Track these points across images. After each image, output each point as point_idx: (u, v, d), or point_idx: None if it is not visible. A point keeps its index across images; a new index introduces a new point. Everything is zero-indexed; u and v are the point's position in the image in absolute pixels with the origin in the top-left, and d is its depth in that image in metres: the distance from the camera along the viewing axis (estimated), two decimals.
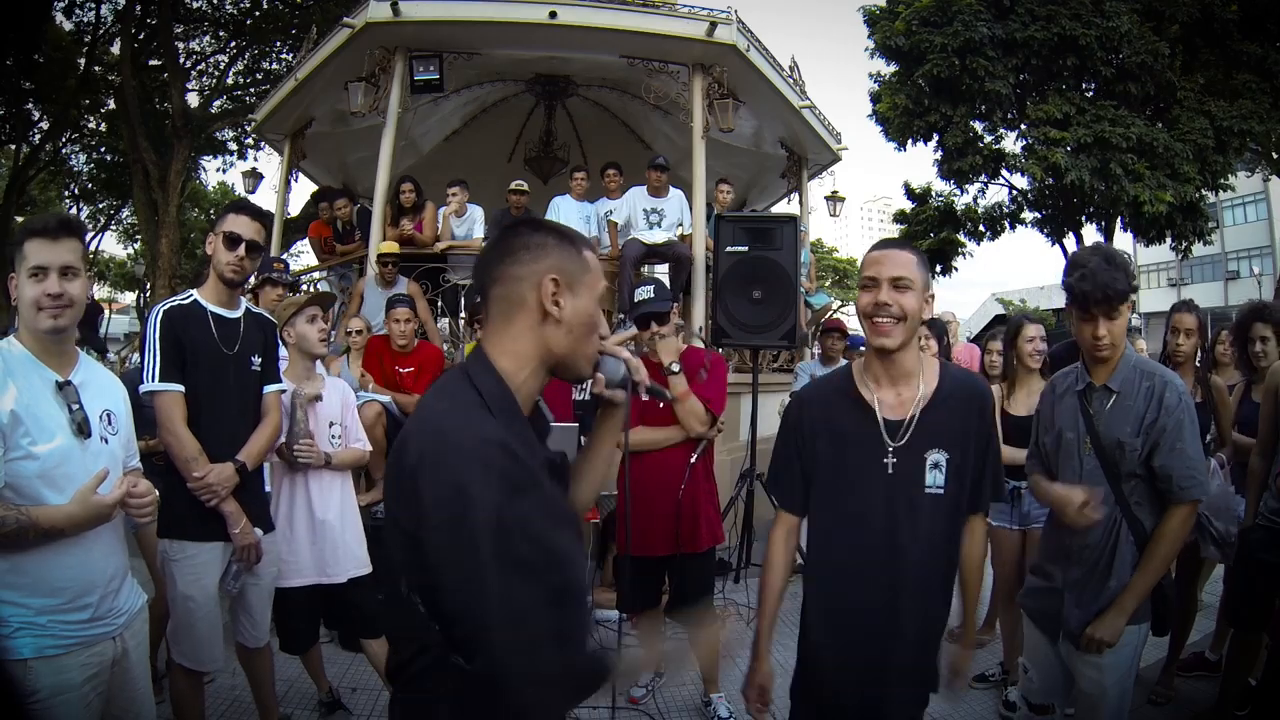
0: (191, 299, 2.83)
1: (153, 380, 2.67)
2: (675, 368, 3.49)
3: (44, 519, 1.89)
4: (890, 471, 2.08)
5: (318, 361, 3.61)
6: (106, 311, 23.70)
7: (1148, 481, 2.35)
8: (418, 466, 1.25)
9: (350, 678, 3.91)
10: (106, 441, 2.11)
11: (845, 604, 2.14)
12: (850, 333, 6.11)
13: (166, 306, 2.79)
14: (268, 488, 3.27)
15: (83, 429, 2.03)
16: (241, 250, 2.78)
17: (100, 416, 2.10)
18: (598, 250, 1.58)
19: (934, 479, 2.07)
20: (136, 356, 3.50)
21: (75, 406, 2.03)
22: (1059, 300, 3.95)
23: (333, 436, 3.47)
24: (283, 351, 3.32)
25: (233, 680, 3.51)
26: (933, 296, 2.11)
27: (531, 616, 1.21)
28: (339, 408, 3.55)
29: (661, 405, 3.56)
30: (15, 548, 1.87)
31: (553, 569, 1.24)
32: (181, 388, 2.69)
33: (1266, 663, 3.19)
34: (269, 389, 3.02)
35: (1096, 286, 2.30)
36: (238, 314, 2.91)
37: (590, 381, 1.56)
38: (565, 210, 7.57)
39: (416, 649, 1.39)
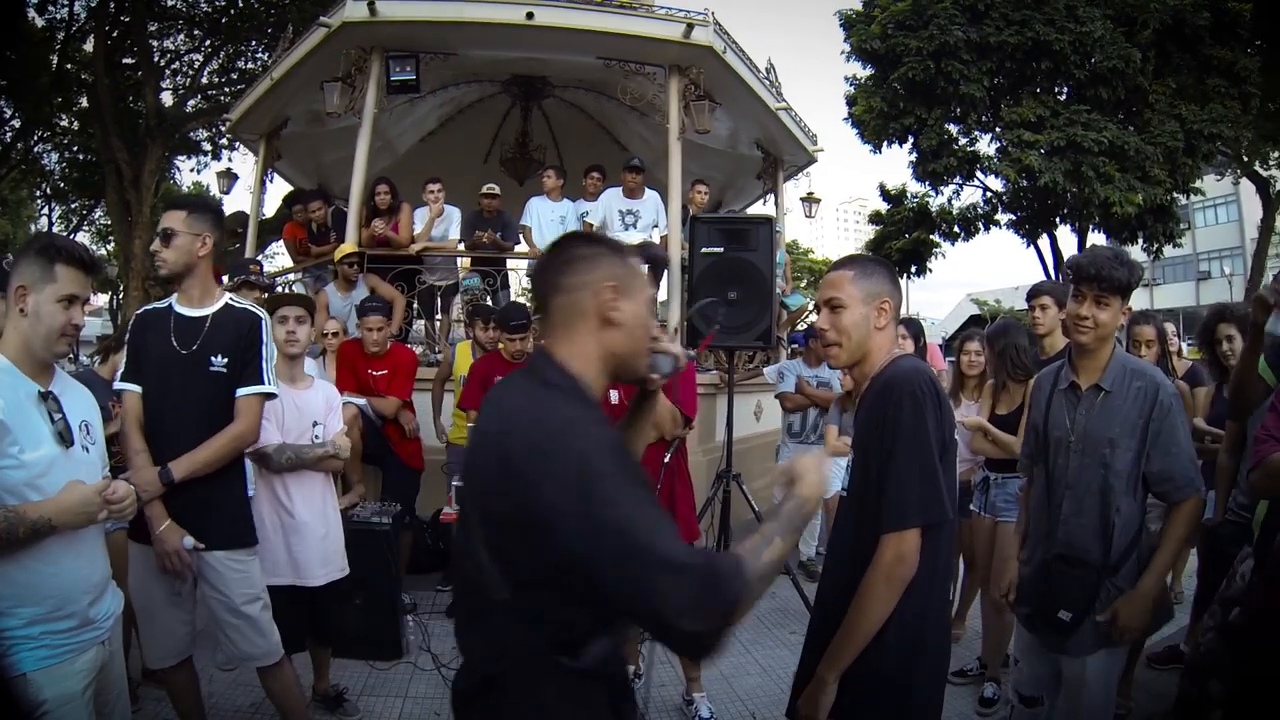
0: (168, 302, 2.85)
1: (119, 380, 2.82)
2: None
3: (32, 510, 1.90)
4: None
5: (307, 361, 3.65)
6: None
7: (1133, 480, 2.39)
8: (526, 458, 1.30)
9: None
10: (87, 451, 2.13)
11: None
12: None
13: (140, 310, 2.92)
14: (253, 492, 3.22)
15: (65, 438, 2.04)
16: (155, 243, 2.80)
17: (79, 426, 2.12)
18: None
19: (845, 480, 2.07)
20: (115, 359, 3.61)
21: (57, 416, 2.05)
22: None
23: (315, 436, 3.49)
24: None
25: (209, 688, 3.50)
26: (888, 302, 2.00)
27: (666, 531, 1.27)
28: (323, 407, 3.55)
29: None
30: (4, 551, 1.87)
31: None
32: (137, 388, 2.77)
33: (1246, 658, 3.25)
34: (242, 392, 2.78)
35: (1092, 263, 2.40)
36: (204, 312, 2.78)
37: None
38: (540, 211, 7.56)
39: (507, 664, 1.37)
